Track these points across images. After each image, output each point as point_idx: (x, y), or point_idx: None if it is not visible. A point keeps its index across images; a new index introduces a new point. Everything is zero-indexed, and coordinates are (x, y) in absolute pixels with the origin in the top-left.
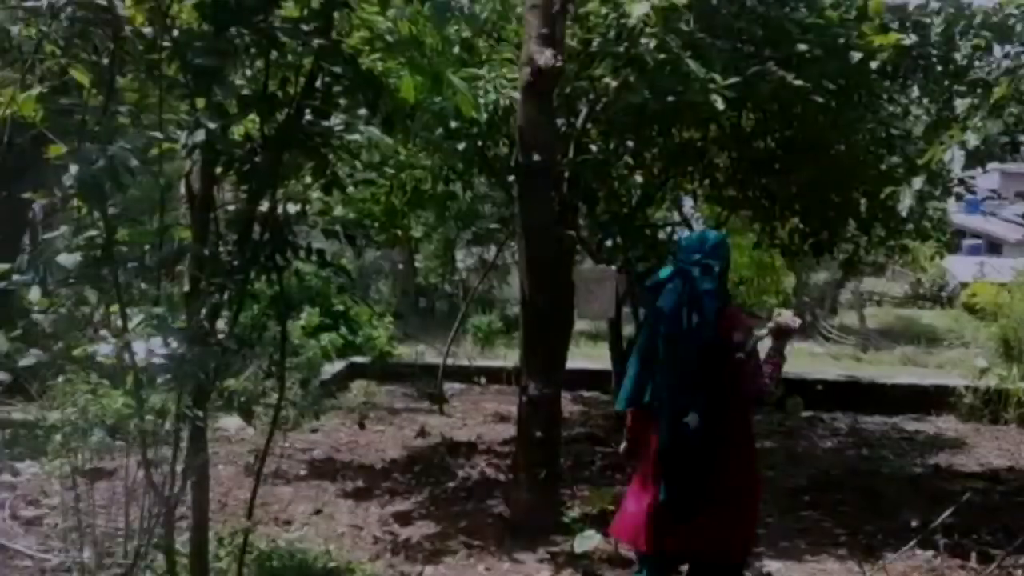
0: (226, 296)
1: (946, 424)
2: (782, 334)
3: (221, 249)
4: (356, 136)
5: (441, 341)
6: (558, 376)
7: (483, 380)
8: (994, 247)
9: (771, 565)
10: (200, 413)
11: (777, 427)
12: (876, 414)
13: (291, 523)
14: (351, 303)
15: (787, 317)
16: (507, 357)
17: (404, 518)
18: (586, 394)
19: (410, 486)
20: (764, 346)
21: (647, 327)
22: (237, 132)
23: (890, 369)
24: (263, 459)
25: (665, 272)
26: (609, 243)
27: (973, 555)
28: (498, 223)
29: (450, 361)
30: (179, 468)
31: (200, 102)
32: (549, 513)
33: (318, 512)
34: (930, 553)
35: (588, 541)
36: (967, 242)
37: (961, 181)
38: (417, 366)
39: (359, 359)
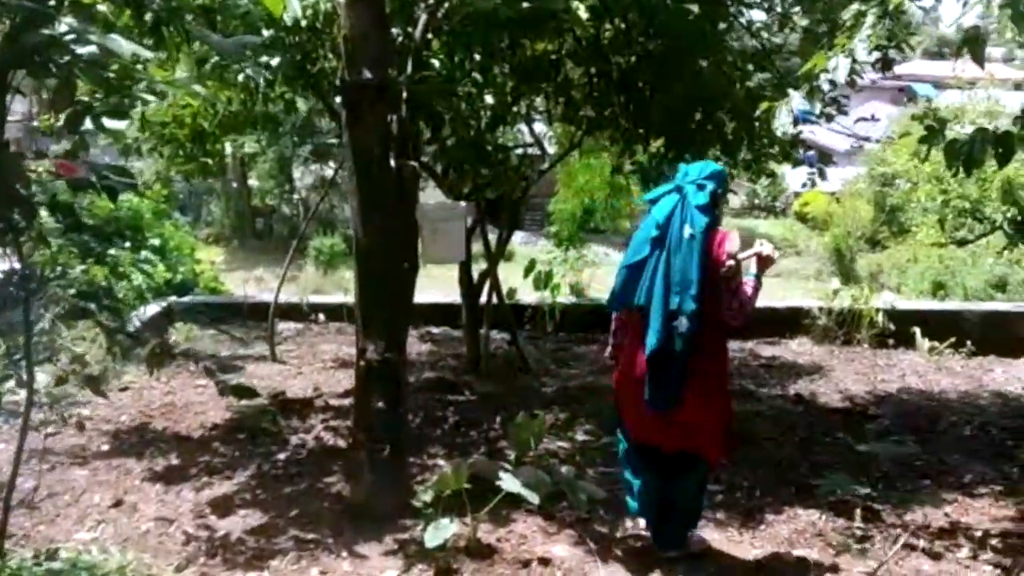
0: None
1: (801, 347)
2: (762, 263)
3: None
4: (90, 48)
5: (280, 265)
6: (402, 335)
7: (321, 318)
8: (824, 157)
9: (647, 536)
10: None
11: None
12: (731, 339)
13: (84, 520)
14: (171, 233)
15: (768, 248)
16: (348, 291)
17: (223, 506)
18: (435, 331)
19: (233, 460)
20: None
21: (640, 233)
22: None
23: None
24: (14, 475)
25: (664, 188)
26: (456, 171)
27: (858, 513)
28: (337, 138)
29: (284, 298)
30: None
31: None
32: (396, 495)
33: (118, 504)
34: (814, 514)
35: (441, 533)
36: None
37: (834, 100)
38: (247, 304)
39: (180, 299)
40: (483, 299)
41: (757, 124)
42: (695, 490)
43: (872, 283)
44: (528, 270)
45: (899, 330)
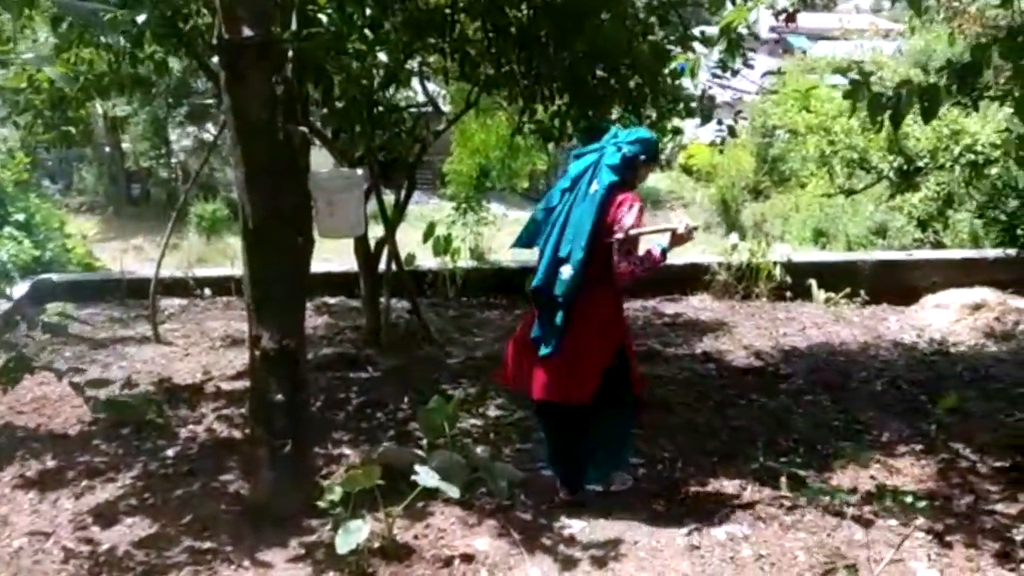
0: None
1: (702, 303)
2: (676, 239)
3: None
4: None
5: (160, 233)
6: (299, 318)
7: (207, 292)
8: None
9: (572, 524)
10: None
11: None
12: (633, 297)
13: None
14: (37, 207)
15: (684, 226)
16: (235, 260)
17: (107, 514)
18: (331, 301)
19: (116, 459)
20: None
21: (557, 184)
22: None
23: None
24: None
25: (592, 146)
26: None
27: (783, 481)
28: (215, 98)
29: (166, 273)
30: None
31: None
32: (301, 493)
33: None
34: (739, 485)
35: (353, 536)
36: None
37: (744, 54)
38: (126, 280)
39: (50, 276)
40: (381, 266)
41: (661, 80)
42: (611, 435)
43: (757, 232)
44: (427, 235)
45: (796, 282)
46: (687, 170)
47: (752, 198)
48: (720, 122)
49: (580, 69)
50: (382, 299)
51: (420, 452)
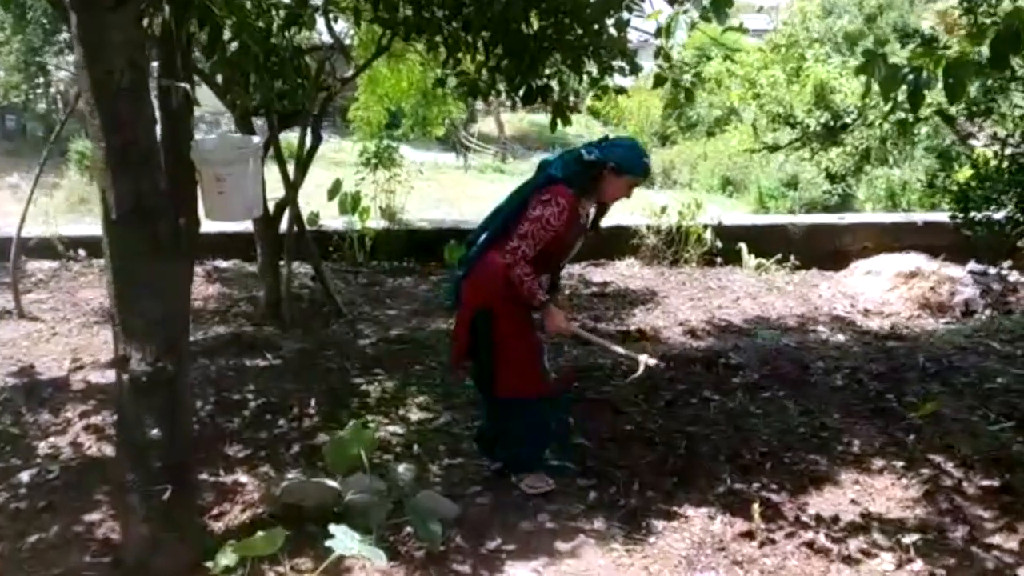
0: None
1: (630, 270)
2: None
3: None
4: None
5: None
6: (178, 332)
7: (81, 254)
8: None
9: (516, 571)
10: None
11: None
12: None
13: None
14: None
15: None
16: None
17: None
18: (223, 265)
19: None
20: None
21: None
22: None
23: (517, 181)
24: None
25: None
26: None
27: (755, 510)
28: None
29: (31, 232)
30: None
31: None
32: (185, 550)
33: None
34: (707, 515)
35: None
36: None
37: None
38: None
39: None
40: (282, 227)
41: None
42: (513, 437)
43: (666, 179)
44: (332, 192)
45: (725, 246)
46: (595, 113)
47: (660, 144)
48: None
49: (514, 15)
50: (282, 265)
51: (332, 483)
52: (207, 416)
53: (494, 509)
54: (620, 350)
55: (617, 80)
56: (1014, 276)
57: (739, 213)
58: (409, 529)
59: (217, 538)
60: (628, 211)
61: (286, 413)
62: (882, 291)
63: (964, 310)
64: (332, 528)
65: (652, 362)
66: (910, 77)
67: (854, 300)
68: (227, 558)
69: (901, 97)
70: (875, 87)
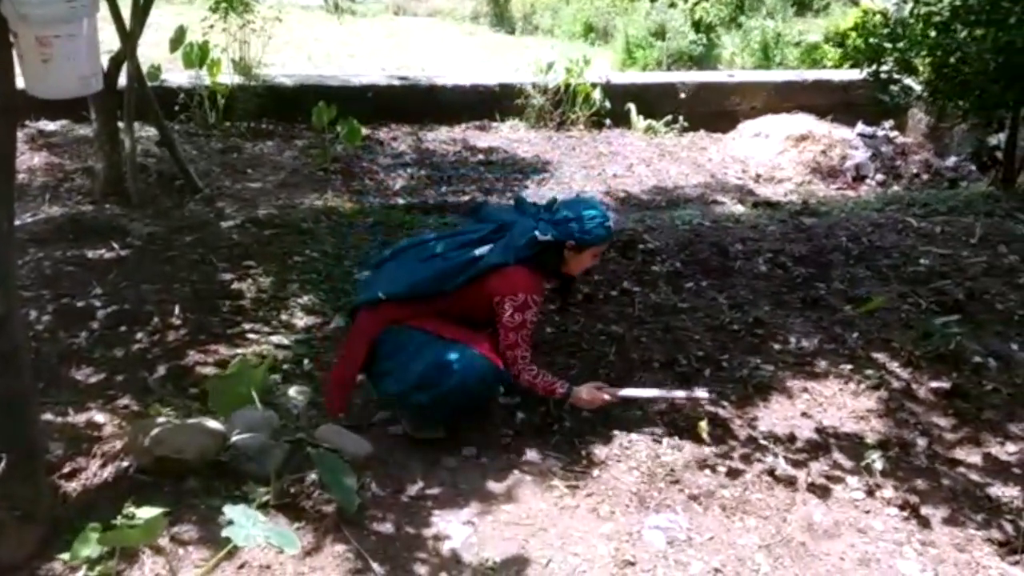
0: None
1: (515, 133)
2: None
3: None
4: None
5: None
6: (5, 262)
7: None
8: None
9: (451, 532)
10: None
11: (331, 165)
12: (437, 124)
13: None
14: None
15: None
16: None
17: None
18: (50, 127)
19: None
20: None
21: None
22: None
23: (383, 27)
24: None
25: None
26: None
27: (703, 427)
28: None
29: None
30: None
31: None
32: (32, 529)
33: None
34: (648, 434)
35: None
36: None
37: None
38: None
39: None
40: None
41: None
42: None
43: (527, 24)
44: (176, 42)
45: (614, 107)
46: None
47: None
48: None
49: None
50: (123, 134)
51: (215, 424)
52: (45, 331)
53: (409, 441)
54: (676, 394)
55: None
56: (900, 138)
57: (631, 72)
58: (313, 476)
59: (72, 506)
60: (512, 67)
61: (145, 323)
62: (773, 154)
63: (855, 175)
64: (227, 510)
65: (704, 394)
66: None
67: (745, 165)
68: (89, 547)
69: None
70: None
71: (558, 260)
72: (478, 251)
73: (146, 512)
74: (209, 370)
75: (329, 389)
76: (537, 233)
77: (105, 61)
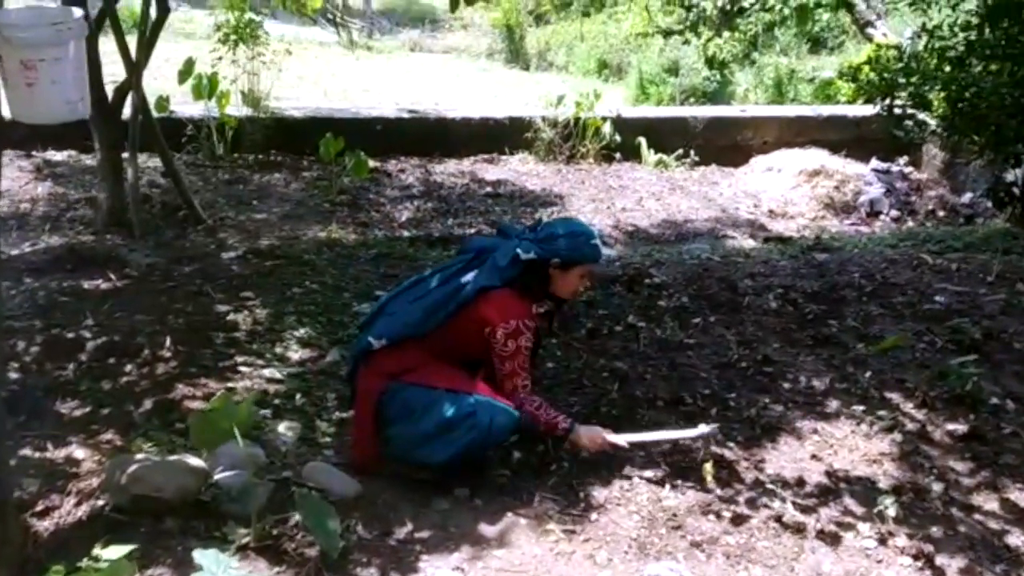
0: None
1: (525, 166)
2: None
3: None
4: None
5: None
6: None
7: None
8: None
9: (434, 570)
10: None
11: (336, 197)
12: (446, 157)
13: None
14: None
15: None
16: None
17: None
18: (56, 158)
19: None
20: None
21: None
22: None
23: (399, 63)
24: None
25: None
26: None
27: (708, 470)
28: None
29: None
30: None
31: None
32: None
33: None
34: (649, 476)
35: None
36: None
37: None
38: None
39: None
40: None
41: None
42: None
43: (541, 61)
44: (184, 74)
45: (624, 140)
46: None
47: (535, 24)
48: None
49: None
50: (126, 160)
51: (196, 461)
52: (32, 362)
53: (400, 481)
54: (684, 434)
55: None
56: (915, 174)
57: (643, 107)
58: (298, 517)
59: (43, 546)
60: (523, 101)
61: (134, 355)
62: (785, 189)
63: (869, 210)
64: (197, 555)
65: (709, 429)
66: None
67: (756, 200)
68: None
69: None
70: None
71: (544, 280)
72: (463, 279)
73: (113, 552)
74: (197, 404)
75: (353, 456)
76: (519, 251)
77: (110, 91)
